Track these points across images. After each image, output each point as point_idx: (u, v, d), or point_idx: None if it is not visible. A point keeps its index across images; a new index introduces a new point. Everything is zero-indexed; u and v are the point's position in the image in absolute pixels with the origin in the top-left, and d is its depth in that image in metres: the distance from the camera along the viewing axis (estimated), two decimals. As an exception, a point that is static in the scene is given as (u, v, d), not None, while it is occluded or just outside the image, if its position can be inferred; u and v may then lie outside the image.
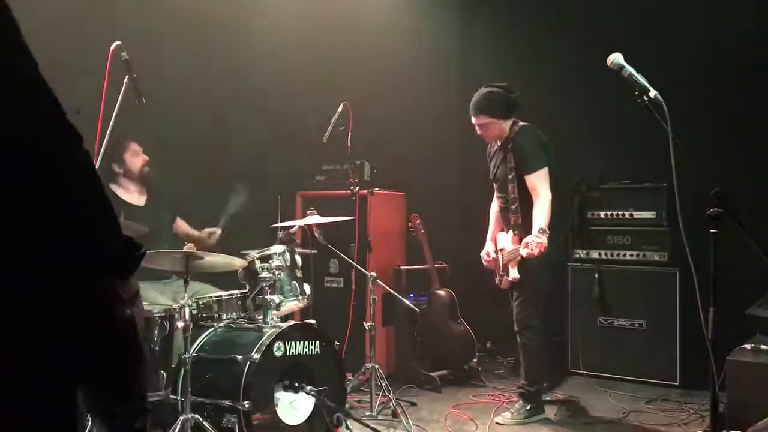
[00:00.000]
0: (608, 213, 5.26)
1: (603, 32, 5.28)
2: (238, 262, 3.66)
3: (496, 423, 4.14)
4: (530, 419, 4.16)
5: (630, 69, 2.78)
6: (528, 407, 4.19)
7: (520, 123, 4.19)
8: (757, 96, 5.00)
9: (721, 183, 2.68)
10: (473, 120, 4.19)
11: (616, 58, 2.83)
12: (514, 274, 4.12)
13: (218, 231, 4.39)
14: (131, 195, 4.23)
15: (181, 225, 4.47)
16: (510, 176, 4.12)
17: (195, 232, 4.41)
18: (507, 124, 4.16)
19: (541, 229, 3.87)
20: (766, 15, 4.93)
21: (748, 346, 3.92)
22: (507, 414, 4.21)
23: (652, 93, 2.68)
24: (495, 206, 4.48)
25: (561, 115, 5.29)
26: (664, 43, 5.24)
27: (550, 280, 4.27)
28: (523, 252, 3.87)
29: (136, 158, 4.22)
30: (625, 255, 5.17)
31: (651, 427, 4.05)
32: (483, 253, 4.41)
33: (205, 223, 4.46)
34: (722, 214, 2.65)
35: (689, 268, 2.66)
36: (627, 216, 5.18)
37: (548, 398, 4.57)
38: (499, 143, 4.27)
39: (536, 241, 3.81)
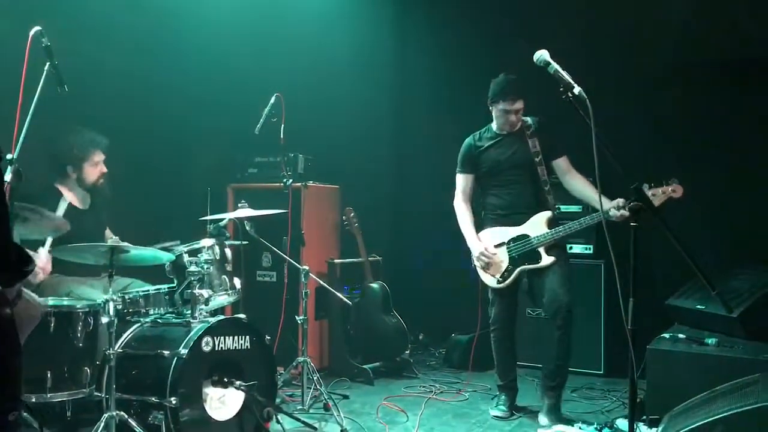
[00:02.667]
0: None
1: (529, 27, 5.39)
2: (165, 256, 3.59)
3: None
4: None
5: (555, 66, 2.83)
6: (559, 404, 4.06)
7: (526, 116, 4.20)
8: (681, 92, 5.19)
9: (644, 174, 2.76)
10: (515, 105, 4.04)
11: (541, 55, 2.88)
12: (549, 259, 4.01)
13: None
14: (75, 199, 4.05)
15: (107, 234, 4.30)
16: (537, 159, 4.07)
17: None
18: None
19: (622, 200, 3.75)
20: (691, 11, 5.11)
21: (667, 335, 4.09)
22: (546, 416, 4.00)
23: (577, 89, 2.74)
24: (463, 205, 4.29)
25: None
26: (589, 39, 5.37)
27: None
28: (615, 214, 3.74)
29: (94, 169, 4.05)
30: (553, 248, 5.28)
31: (576, 415, 4.16)
32: (480, 252, 4.13)
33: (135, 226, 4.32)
34: (642, 208, 2.74)
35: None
36: (555, 210, 5.29)
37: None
38: (505, 131, 4.17)
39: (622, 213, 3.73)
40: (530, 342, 5.09)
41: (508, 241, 4.13)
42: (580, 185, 4.09)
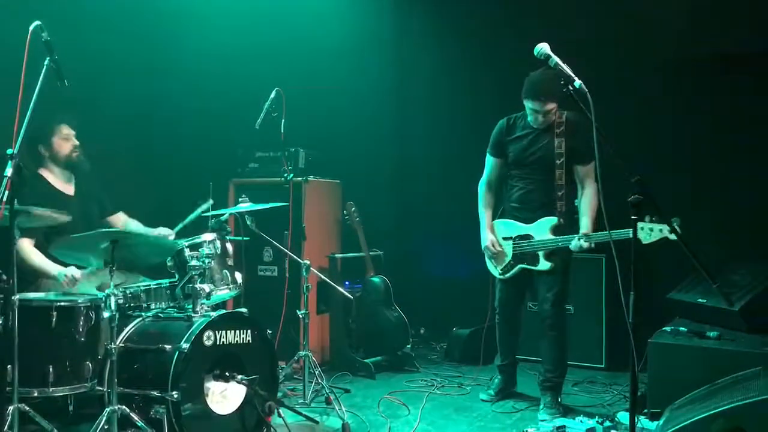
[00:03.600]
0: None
1: (537, 22, 5.38)
2: (167, 250, 3.60)
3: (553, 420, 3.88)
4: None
5: (556, 58, 2.83)
6: (559, 399, 4.11)
7: (565, 111, 4.03)
8: (681, 86, 5.18)
9: (644, 171, 2.75)
10: (544, 107, 3.91)
11: (542, 48, 2.88)
12: (545, 264, 4.04)
13: (172, 234, 4.12)
14: (59, 182, 4.05)
15: (120, 219, 4.31)
16: (559, 161, 3.99)
17: (148, 230, 4.18)
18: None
19: (585, 234, 3.88)
20: (691, 6, 5.10)
21: (668, 329, 4.09)
22: (546, 411, 4.04)
23: (577, 83, 2.74)
24: (487, 196, 4.30)
25: (495, 104, 5.34)
26: (590, 34, 5.35)
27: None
28: (578, 245, 3.86)
29: (65, 143, 4.02)
30: (553, 242, 5.28)
31: (578, 408, 4.16)
32: (488, 244, 4.21)
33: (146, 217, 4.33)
34: (643, 202, 2.73)
35: (616, 255, 2.75)
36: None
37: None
38: (536, 126, 4.06)
39: (584, 246, 3.87)
40: (533, 336, 5.08)
41: (515, 237, 4.16)
42: (582, 199, 4.07)
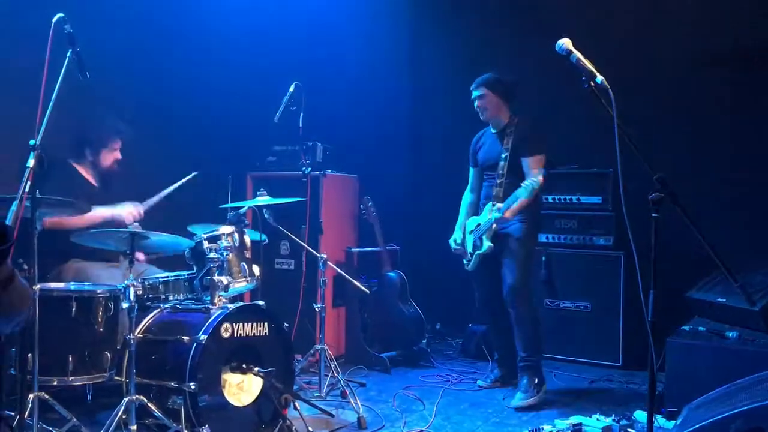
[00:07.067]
0: (556, 197, 5.34)
1: (552, 18, 5.34)
2: (185, 243, 3.62)
3: (515, 408, 4.13)
4: (543, 395, 4.23)
5: (577, 54, 2.80)
6: (536, 381, 4.24)
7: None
8: (704, 82, 5.12)
9: (666, 168, 2.73)
10: (474, 93, 4.44)
11: (563, 43, 2.85)
12: (486, 245, 4.32)
13: (140, 207, 4.13)
14: (88, 175, 4.14)
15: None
16: (504, 155, 4.34)
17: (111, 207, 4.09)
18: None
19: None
20: (712, 3, 5.04)
21: (687, 328, 4.05)
22: (519, 395, 4.21)
23: (599, 78, 2.71)
24: (466, 195, 4.69)
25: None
26: (612, 29, 5.31)
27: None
28: (495, 215, 4.20)
29: (110, 155, 4.12)
30: (571, 239, 5.27)
31: (593, 406, 4.14)
32: (451, 240, 4.59)
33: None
34: (664, 199, 2.70)
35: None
36: (574, 201, 5.27)
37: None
38: (489, 124, 4.52)
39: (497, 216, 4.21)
40: (547, 333, 5.06)
41: (472, 230, 4.47)
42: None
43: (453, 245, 4.59)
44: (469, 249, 4.48)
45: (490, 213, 4.27)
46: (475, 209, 4.61)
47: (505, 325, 4.45)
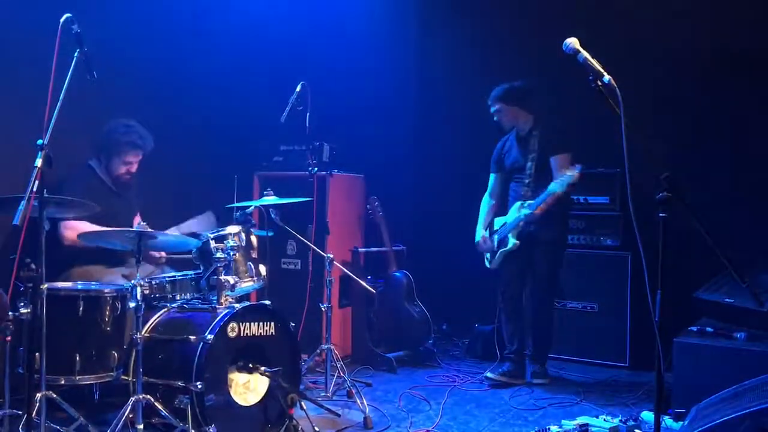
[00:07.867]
0: (563, 198, 5.31)
1: (559, 20, 5.32)
2: (192, 243, 3.63)
3: (534, 383, 4.57)
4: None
5: (585, 53, 2.79)
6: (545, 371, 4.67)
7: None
8: (712, 83, 5.09)
9: (672, 168, 2.72)
10: (492, 109, 4.65)
11: (571, 43, 2.84)
12: (512, 242, 4.51)
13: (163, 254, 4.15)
14: (107, 178, 4.15)
15: (136, 220, 4.35)
16: (531, 156, 4.52)
17: None
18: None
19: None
20: (712, 3, 5.02)
21: (694, 329, 4.04)
22: (533, 373, 4.64)
23: (606, 78, 2.70)
24: (485, 199, 4.86)
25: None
26: (619, 28, 5.29)
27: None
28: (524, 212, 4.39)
29: (122, 166, 4.10)
30: (579, 239, 5.26)
31: (600, 407, 4.13)
32: (479, 240, 4.76)
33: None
34: (671, 199, 2.69)
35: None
36: (582, 201, 5.25)
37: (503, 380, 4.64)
38: (520, 134, 4.67)
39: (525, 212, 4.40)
40: (562, 334, 5.07)
41: (497, 229, 4.65)
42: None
43: (480, 246, 4.75)
44: (495, 248, 4.63)
45: (518, 210, 4.43)
46: (495, 213, 4.77)
47: (515, 318, 4.72)
